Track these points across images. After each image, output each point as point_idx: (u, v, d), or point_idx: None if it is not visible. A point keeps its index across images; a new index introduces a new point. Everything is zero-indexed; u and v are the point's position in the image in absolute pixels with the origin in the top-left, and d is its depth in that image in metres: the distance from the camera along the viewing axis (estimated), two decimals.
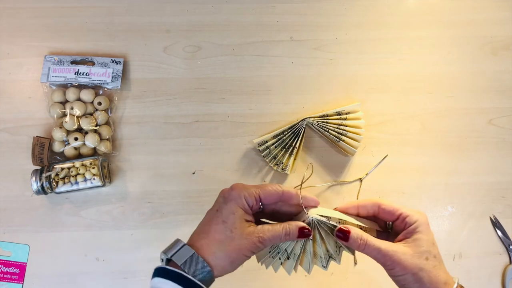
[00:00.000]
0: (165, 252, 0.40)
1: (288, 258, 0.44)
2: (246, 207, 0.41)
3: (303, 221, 0.43)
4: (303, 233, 0.41)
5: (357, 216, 0.45)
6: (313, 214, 0.43)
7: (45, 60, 0.61)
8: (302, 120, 0.60)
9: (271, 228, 0.41)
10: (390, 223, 0.45)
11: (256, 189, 0.42)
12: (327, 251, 0.44)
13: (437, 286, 0.39)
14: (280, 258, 0.44)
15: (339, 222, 0.43)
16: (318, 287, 0.59)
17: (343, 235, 0.41)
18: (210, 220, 0.41)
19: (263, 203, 0.43)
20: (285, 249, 0.44)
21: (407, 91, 0.64)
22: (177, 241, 0.41)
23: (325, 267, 0.45)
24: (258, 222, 0.42)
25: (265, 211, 0.44)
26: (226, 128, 0.62)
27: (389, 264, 0.40)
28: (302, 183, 0.44)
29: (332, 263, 0.45)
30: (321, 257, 0.44)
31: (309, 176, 0.50)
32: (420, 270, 0.39)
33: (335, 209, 0.46)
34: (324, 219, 0.43)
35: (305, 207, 0.43)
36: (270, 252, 0.44)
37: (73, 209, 0.60)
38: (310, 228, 0.42)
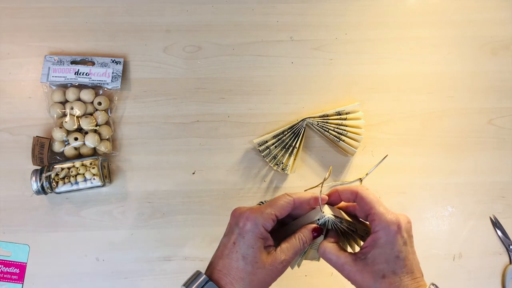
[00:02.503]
0: (186, 285, 0.38)
1: None
2: (265, 234, 0.39)
3: (317, 220, 0.43)
4: (315, 235, 0.42)
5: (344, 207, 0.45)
6: (327, 214, 0.43)
7: (45, 60, 0.61)
8: (302, 120, 0.60)
9: (289, 246, 0.40)
10: None
11: (270, 209, 0.40)
12: None
13: None
14: None
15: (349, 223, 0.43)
16: (318, 287, 0.59)
17: (317, 234, 0.42)
18: (229, 254, 0.39)
19: (279, 219, 0.41)
20: None
21: (407, 91, 0.64)
22: (199, 274, 0.38)
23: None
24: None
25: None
26: (226, 128, 0.62)
27: (346, 277, 0.40)
28: (322, 183, 0.44)
29: None
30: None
31: (327, 177, 0.50)
32: None
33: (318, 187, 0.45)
34: (337, 220, 0.43)
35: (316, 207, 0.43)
36: None
37: (73, 209, 0.60)
38: (320, 227, 0.42)
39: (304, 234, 0.41)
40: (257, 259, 0.38)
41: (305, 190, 0.44)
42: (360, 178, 0.62)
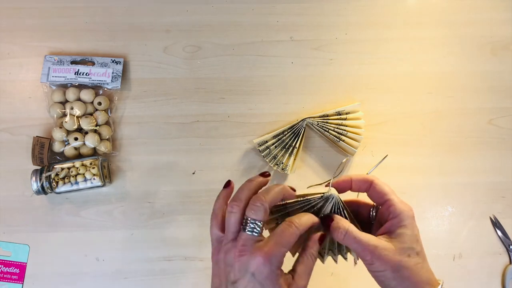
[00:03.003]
0: None
1: None
2: (280, 273, 0.36)
3: (321, 197, 0.41)
4: (322, 241, 0.40)
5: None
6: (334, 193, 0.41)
7: (45, 60, 0.61)
8: (302, 120, 0.60)
9: (305, 268, 0.38)
10: (374, 213, 0.44)
11: (281, 247, 0.36)
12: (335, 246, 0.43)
13: (419, 285, 0.37)
14: None
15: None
16: (318, 287, 0.59)
17: (325, 222, 0.40)
18: None
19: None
20: None
21: (407, 91, 0.64)
22: None
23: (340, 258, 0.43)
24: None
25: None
26: (226, 128, 0.62)
27: (368, 259, 0.37)
28: (332, 178, 0.43)
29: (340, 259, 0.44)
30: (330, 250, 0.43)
31: (341, 171, 0.47)
32: (401, 267, 0.37)
33: (327, 183, 0.44)
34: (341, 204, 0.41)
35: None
36: None
37: (73, 209, 0.60)
38: (324, 233, 0.40)
39: (313, 249, 0.39)
40: None
41: (308, 187, 0.43)
42: None
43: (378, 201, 0.42)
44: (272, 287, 0.35)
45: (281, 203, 0.42)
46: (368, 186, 0.42)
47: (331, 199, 0.41)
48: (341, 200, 0.41)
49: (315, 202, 0.41)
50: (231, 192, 0.43)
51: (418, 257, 0.38)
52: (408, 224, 0.39)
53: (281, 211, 0.42)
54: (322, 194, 0.41)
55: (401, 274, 0.37)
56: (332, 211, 0.41)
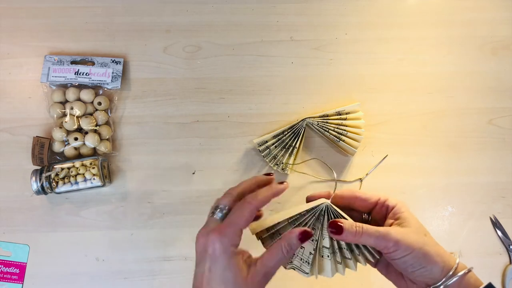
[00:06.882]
0: None
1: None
2: (237, 251, 0.37)
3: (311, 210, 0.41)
4: (304, 237, 0.39)
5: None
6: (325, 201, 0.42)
7: (45, 60, 0.61)
8: (302, 120, 0.60)
9: (270, 257, 0.38)
10: (367, 215, 0.45)
11: (234, 226, 0.37)
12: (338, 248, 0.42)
13: (444, 258, 0.38)
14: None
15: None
16: (318, 287, 0.59)
17: (336, 229, 0.39)
18: (208, 284, 0.36)
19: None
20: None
21: (407, 91, 0.64)
22: None
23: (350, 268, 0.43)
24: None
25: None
26: (226, 128, 0.62)
27: (392, 246, 0.38)
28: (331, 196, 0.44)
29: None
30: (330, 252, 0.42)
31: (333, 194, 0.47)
32: (424, 245, 0.38)
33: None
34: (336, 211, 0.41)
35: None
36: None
37: (73, 209, 0.60)
38: (309, 231, 0.39)
39: (288, 241, 0.38)
40: (238, 279, 0.36)
41: (307, 201, 0.44)
42: (360, 178, 0.62)
43: (368, 207, 0.44)
44: (227, 262, 0.36)
45: (273, 230, 0.42)
46: (354, 198, 0.44)
47: (322, 208, 0.41)
48: (333, 207, 0.42)
49: (307, 219, 0.41)
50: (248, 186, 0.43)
51: (429, 234, 0.40)
52: (407, 210, 0.41)
53: (274, 235, 0.42)
54: (313, 207, 0.41)
55: (427, 250, 0.38)
56: (329, 218, 0.42)
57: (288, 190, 0.62)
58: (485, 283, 0.38)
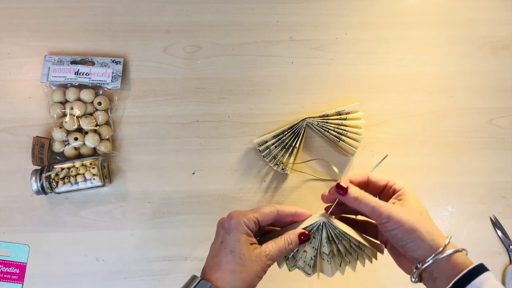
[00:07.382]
0: None
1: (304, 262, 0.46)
2: (248, 231, 0.42)
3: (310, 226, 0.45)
4: (302, 239, 0.43)
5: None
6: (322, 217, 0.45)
7: (45, 60, 0.61)
8: (302, 120, 0.60)
9: (274, 244, 0.42)
10: (378, 197, 0.47)
11: (254, 213, 0.43)
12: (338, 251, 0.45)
13: (434, 236, 0.40)
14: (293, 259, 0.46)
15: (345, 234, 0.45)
16: (318, 287, 0.59)
17: (342, 190, 0.43)
18: (218, 252, 0.42)
19: (261, 225, 0.44)
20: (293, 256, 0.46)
21: (407, 91, 0.64)
22: (194, 277, 0.41)
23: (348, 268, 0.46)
24: (259, 242, 0.44)
25: (263, 230, 0.47)
26: (226, 128, 0.62)
27: (384, 217, 0.41)
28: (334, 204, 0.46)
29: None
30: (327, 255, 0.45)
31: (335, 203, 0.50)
32: (416, 221, 0.40)
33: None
34: (334, 229, 0.45)
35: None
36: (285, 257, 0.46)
37: (73, 209, 0.60)
38: (307, 233, 0.44)
39: (290, 236, 0.43)
40: (244, 251, 0.41)
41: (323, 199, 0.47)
42: None
43: (378, 189, 0.46)
44: (239, 236, 0.41)
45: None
46: (366, 180, 0.47)
47: (320, 224, 0.44)
48: (331, 223, 0.44)
49: (308, 229, 0.45)
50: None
51: (428, 216, 0.42)
52: (412, 193, 0.44)
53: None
54: (311, 223, 0.45)
55: (417, 226, 0.40)
56: (327, 236, 0.45)
57: (287, 189, 0.62)
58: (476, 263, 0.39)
